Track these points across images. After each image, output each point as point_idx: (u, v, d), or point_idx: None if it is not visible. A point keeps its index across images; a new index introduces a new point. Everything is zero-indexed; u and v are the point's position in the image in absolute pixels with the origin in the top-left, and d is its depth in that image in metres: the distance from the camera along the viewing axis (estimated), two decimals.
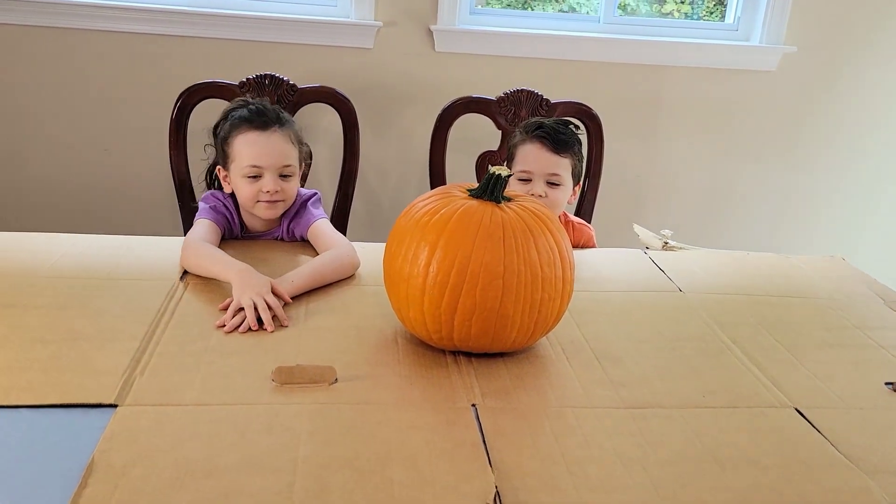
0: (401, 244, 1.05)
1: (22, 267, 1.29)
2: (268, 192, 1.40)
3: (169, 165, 1.78)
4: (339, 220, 1.88)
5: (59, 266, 1.30)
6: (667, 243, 1.62)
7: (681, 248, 1.61)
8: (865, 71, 2.44)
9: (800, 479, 0.85)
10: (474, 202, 1.04)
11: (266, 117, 1.41)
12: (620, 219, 2.17)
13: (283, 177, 1.42)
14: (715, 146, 2.48)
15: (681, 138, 2.46)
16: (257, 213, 1.44)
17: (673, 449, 0.89)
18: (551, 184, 1.52)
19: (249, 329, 1.10)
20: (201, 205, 1.47)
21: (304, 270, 1.25)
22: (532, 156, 1.53)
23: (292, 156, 1.42)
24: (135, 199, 2.27)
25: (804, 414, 0.99)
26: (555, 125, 1.54)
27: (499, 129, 1.89)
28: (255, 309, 1.11)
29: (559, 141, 1.52)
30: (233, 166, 1.42)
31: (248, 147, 1.39)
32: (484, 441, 0.88)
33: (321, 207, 1.53)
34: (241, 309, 1.12)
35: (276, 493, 0.76)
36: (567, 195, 1.56)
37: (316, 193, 1.53)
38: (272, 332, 1.10)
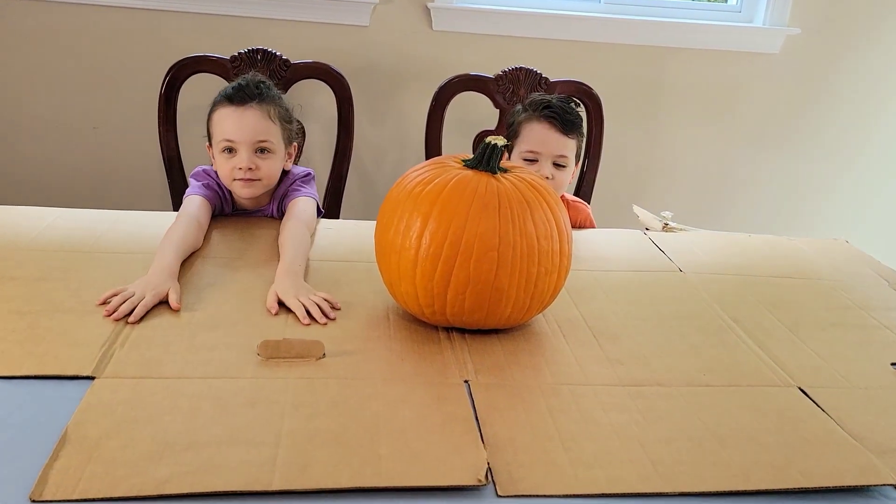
0: (392, 215, 1.01)
1: (3, 238, 1.25)
2: (241, 168, 1.36)
3: (158, 142, 1.74)
4: (333, 200, 1.84)
5: (41, 239, 1.26)
6: (667, 224, 1.59)
7: (681, 230, 1.58)
8: (870, 54, 2.40)
9: (803, 456, 0.82)
10: (469, 172, 1.01)
11: (244, 93, 1.37)
12: (619, 201, 2.14)
13: (261, 153, 1.38)
14: (716, 129, 2.45)
15: (681, 121, 2.43)
16: (235, 192, 1.41)
17: (672, 426, 0.86)
18: (557, 165, 1.50)
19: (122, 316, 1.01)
20: (192, 181, 1.44)
21: (293, 250, 1.21)
22: (540, 136, 1.49)
23: (270, 132, 1.38)
24: (125, 178, 2.23)
25: (808, 393, 0.96)
26: (562, 105, 1.50)
27: (496, 108, 1.85)
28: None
29: (567, 122, 1.49)
30: (213, 143, 1.40)
31: (223, 122, 1.37)
32: (476, 416, 0.85)
33: (313, 186, 1.49)
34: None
35: (257, 467, 0.73)
36: (570, 176, 1.53)
37: (309, 172, 1.50)
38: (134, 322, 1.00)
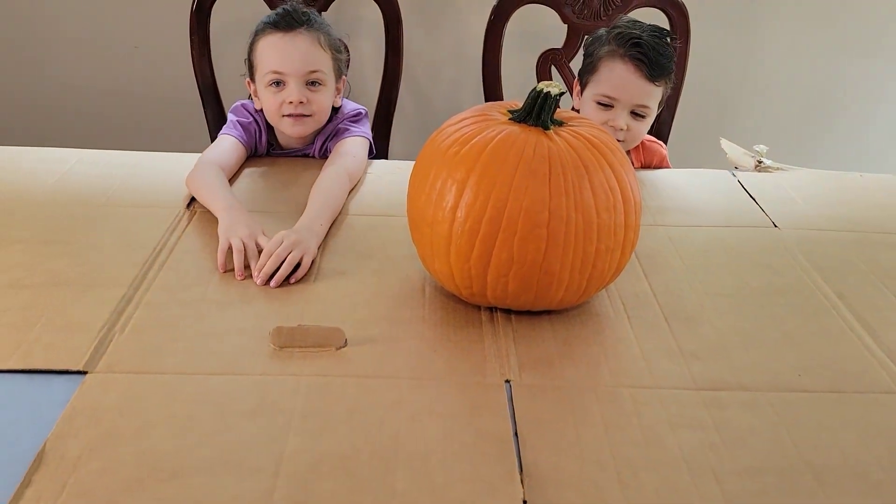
0: (425, 179, 0.85)
1: (15, 189, 1.16)
2: (291, 102, 1.22)
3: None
4: (383, 128, 1.68)
5: (56, 189, 1.17)
6: (760, 162, 1.36)
7: (778, 169, 1.36)
8: None
9: None
10: (516, 128, 0.83)
11: (291, 18, 1.23)
12: (705, 132, 1.88)
13: (312, 86, 1.23)
14: (825, 38, 2.11)
15: (783, 28, 2.10)
16: (283, 130, 1.28)
17: (756, 452, 0.71)
18: (636, 114, 1.27)
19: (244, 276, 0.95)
20: (229, 116, 1.31)
21: (320, 205, 1.08)
22: (621, 80, 1.25)
23: (321, 62, 1.23)
24: (167, 103, 2.11)
25: None
26: (655, 42, 1.25)
27: (564, 22, 1.62)
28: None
29: (657, 65, 1.24)
30: (257, 76, 1.26)
31: (269, 51, 1.23)
32: (516, 433, 0.71)
33: (366, 124, 1.34)
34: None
35: None
36: (648, 126, 1.30)
37: (360, 111, 1.34)
38: (261, 286, 0.93)
